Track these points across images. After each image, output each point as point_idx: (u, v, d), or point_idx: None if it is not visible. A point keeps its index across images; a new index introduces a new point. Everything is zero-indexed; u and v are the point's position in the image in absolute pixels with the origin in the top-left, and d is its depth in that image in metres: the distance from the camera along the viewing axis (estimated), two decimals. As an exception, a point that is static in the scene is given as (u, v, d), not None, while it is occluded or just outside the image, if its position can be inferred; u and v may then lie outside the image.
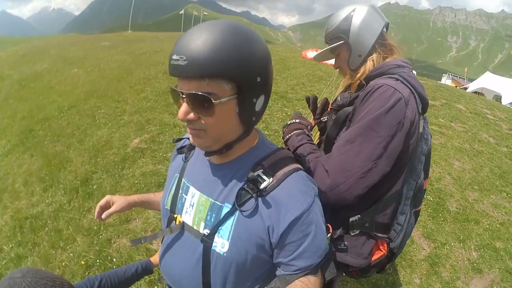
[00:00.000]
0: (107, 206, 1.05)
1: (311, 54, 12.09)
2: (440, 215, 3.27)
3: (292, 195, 0.73)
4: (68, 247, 2.65)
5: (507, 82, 20.64)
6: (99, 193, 3.32)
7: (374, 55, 1.18)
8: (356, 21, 1.16)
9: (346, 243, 1.12)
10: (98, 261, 2.46)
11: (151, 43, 13.09)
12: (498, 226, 3.20)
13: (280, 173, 0.75)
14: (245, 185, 0.74)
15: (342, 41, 1.19)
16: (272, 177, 0.74)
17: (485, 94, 18.23)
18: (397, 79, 1.07)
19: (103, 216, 1.02)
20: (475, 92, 17.00)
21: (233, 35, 0.63)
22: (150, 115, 5.04)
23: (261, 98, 0.72)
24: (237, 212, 0.74)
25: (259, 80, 0.67)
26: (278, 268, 0.76)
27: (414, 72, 1.34)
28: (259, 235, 0.72)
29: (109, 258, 2.49)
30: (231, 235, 0.73)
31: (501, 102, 15.16)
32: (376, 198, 1.13)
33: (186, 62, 0.61)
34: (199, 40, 0.62)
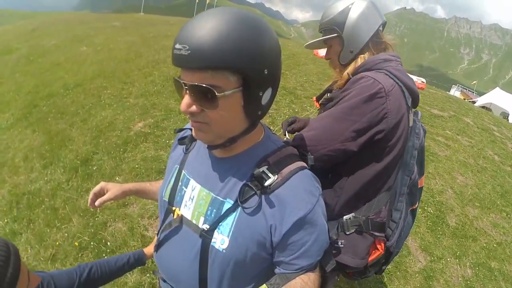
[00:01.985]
0: (101, 193, 1.02)
1: (323, 52, 12.00)
2: (439, 228, 3.26)
3: (297, 194, 0.71)
4: (63, 226, 2.65)
5: (516, 101, 20.51)
6: (98, 174, 3.30)
7: (366, 54, 1.18)
8: (353, 15, 1.13)
9: (343, 241, 1.13)
10: (92, 243, 2.45)
11: (162, 27, 13.01)
12: (495, 245, 3.19)
13: (286, 170, 0.73)
14: (249, 182, 0.72)
15: (335, 35, 1.16)
16: (277, 174, 0.72)
17: (493, 109, 18.18)
18: (381, 72, 1.08)
19: (97, 203, 1.00)
20: (483, 107, 16.90)
21: (240, 24, 0.60)
22: (156, 100, 5.00)
23: (268, 92, 0.69)
24: (239, 209, 0.72)
25: (266, 72, 0.64)
26: (277, 266, 0.75)
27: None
28: (261, 233, 0.71)
29: (103, 241, 2.48)
30: (231, 232, 0.71)
31: (508, 120, 15.08)
32: (369, 196, 1.13)
33: (189, 52, 0.58)
34: (204, 29, 0.58)
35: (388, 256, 1.23)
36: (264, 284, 0.72)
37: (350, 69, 1.18)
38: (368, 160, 1.08)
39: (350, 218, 1.12)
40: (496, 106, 19.53)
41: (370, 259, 1.16)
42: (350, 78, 1.14)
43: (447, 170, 4.34)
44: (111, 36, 10.66)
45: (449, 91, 24.14)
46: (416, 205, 1.29)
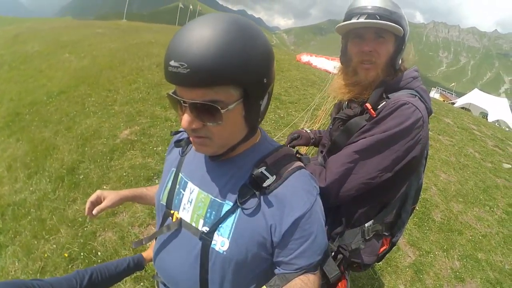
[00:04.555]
0: (98, 201, 1.01)
1: (305, 58, 12.18)
2: (425, 224, 3.35)
3: (296, 194, 0.72)
4: (51, 238, 2.57)
5: (494, 100, 21.33)
6: (85, 183, 3.23)
7: (405, 63, 1.18)
8: (408, 26, 1.10)
9: (363, 246, 1.18)
10: (82, 254, 2.38)
11: (145, 34, 12.89)
12: (480, 238, 3.30)
13: (283, 170, 0.74)
14: (248, 183, 0.72)
15: (399, 34, 1.05)
16: (276, 174, 0.72)
17: (472, 110, 18.77)
18: (415, 95, 1.08)
19: (94, 212, 0.98)
20: (463, 107, 17.47)
21: (237, 35, 0.58)
22: (142, 107, 4.95)
23: (265, 98, 0.70)
24: (239, 210, 0.72)
25: (265, 81, 0.65)
26: (277, 267, 0.75)
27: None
28: (261, 234, 0.71)
29: (93, 251, 2.42)
30: (231, 233, 0.71)
31: (487, 119, 15.66)
32: (386, 203, 1.18)
33: (188, 70, 0.55)
34: (200, 44, 0.55)
35: (391, 247, 1.31)
36: (264, 286, 0.72)
37: (397, 75, 1.13)
38: (396, 178, 1.09)
39: (371, 225, 1.16)
40: (475, 106, 20.18)
41: (377, 253, 1.24)
42: (383, 96, 1.10)
43: (430, 168, 4.47)
44: (95, 43, 10.48)
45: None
46: (416, 205, 1.37)
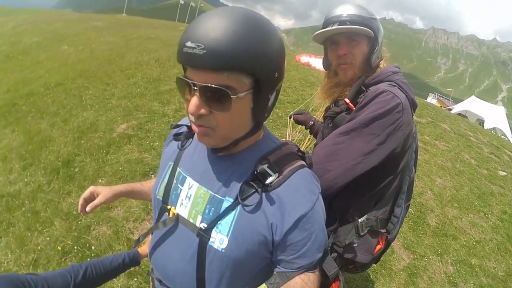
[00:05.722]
0: (91, 197, 0.99)
1: (304, 58, 12.21)
2: (420, 228, 3.36)
3: (298, 193, 0.71)
4: (45, 230, 2.54)
5: (491, 108, 21.46)
6: (80, 176, 3.20)
7: (383, 61, 1.25)
8: (381, 27, 1.19)
9: (357, 241, 1.18)
10: (75, 247, 2.36)
11: (145, 29, 12.84)
12: (474, 243, 3.32)
13: (286, 169, 0.73)
14: (250, 179, 0.71)
15: (370, 36, 1.15)
16: (278, 172, 0.71)
17: (469, 116, 18.87)
18: (395, 85, 1.13)
19: (88, 209, 0.96)
20: (459, 114, 17.57)
21: (255, 27, 0.60)
22: (139, 102, 4.94)
23: (274, 94, 0.70)
24: (239, 207, 0.70)
25: (276, 75, 0.65)
26: (277, 265, 0.74)
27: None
28: (261, 232, 0.70)
29: (87, 245, 2.39)
30: (231, 231, 0.70)
31: (483, 126, 15.77)
32: (380, 197, 1.18)
33: (205, 51, 0.55)
34: (219, 29, 0.56)
35: (387, 246, 1.30)
36: (264, 284, 0.71)
37: (375, 73, 1.19)
38: (385, 169, 1.12)
39: (364, 220, 1.17)
40: (472, 113, 20.27)
41: (373, 253, 1.22)
42: (362, 88, 1.17)
43: (426, 173, 4.50)
44: (93, 36, 10.41)
45: (426, 99, 24.90)
46: (410, 201, 1.38)
